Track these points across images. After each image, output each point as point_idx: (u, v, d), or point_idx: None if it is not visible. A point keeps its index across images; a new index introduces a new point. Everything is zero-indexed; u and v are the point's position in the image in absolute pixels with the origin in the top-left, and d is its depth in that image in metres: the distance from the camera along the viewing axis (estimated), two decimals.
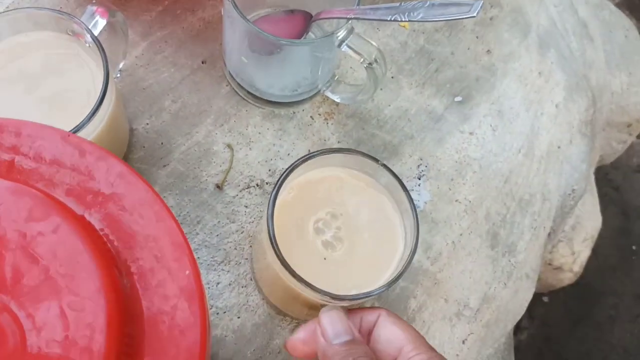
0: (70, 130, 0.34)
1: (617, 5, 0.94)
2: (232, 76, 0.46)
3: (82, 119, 0.34)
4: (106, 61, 0.36)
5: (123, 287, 0.22)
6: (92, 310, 0.20)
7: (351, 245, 0.37)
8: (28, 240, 0.21)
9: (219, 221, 0.43)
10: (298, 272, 0.34)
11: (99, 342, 0.20)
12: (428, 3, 0.35)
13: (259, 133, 0.46)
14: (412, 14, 0.35)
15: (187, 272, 0.23)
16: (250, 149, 0.46)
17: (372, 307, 0.36)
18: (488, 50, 0.53)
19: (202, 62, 0.48)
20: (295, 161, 0.36)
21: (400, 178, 0.37)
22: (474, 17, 0.32)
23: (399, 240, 0.38)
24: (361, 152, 0.37)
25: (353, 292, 0.36)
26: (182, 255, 0.24)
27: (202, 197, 0.44)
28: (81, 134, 0.34)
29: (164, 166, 0.44)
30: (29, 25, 0.38)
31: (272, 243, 0.34)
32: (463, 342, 0.46)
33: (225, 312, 0.42)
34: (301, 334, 0.34)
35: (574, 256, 0.62)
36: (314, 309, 0.36)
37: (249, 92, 0.46)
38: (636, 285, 0.92)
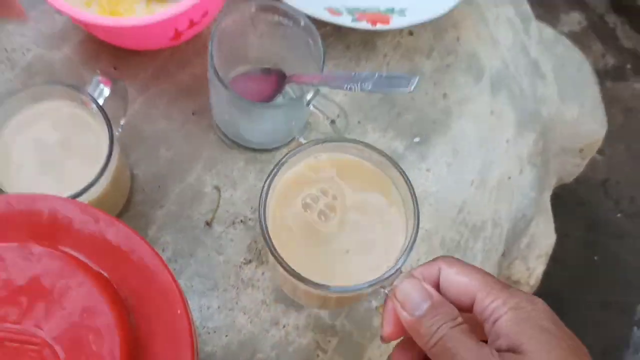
0: (86, 186, 0.41)
1: (571, 34, 1.01)
2: (218, 127, 0.54)
3: (93, 178, 0.41)
4: (110, 128, 0.43)
5: (130, 325, 0.29)
6: (109, 343, 0.27)
7: (353, 234, 0.39)
8: (62, 291, 0.28)
9: (208, 254, 0.51)
10: (298, 265, 0.35)
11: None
12: (377, 75, 0.42)
13: (243, 176, 0.54)
14: (363, 84, 0.42)
15: (179, 311, 0.31)
16: (235, 189, 0.53)
17: (429, 262, 0.35)
18: (444, 94, 0.61)
19: (192, 114, 0.55)
20: (287, 154, 0.38)
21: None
22: (410, 91, 0.39)
23: (400, 227, 0.39)
24: (354, 140, 0.39)
25: (360, 281, 0.36)
26: (175, 298, 0.31)
27: (194, 233, 0.51)
28: (94, 187, 0.42)
29: (161, 207, 0.52)
30: (44, 96, 0.45)
31: (265, 237, 0.36)
32: None
33: (215, 332, 0.49)
34: (387, 326, 0.34)
35: (529, 271, 0.69)
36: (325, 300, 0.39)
37: (233, 141, 0.53)
38: (601, 294, 0.99)
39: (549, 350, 0.29)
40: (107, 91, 0.45)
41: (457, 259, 0.34)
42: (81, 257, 0.30)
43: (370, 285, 0.35)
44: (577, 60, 0.77)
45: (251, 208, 0.53)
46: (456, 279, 0.32)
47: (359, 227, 0.39)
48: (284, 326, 0.50)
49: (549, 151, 0.70)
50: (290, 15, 0.47)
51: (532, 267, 0.69)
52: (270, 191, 0.38)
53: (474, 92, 0.62)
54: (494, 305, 0.31)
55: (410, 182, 0.38)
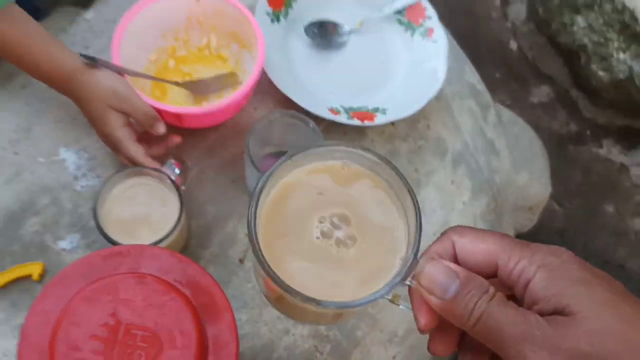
0: (165, 235, 0.62)
1: (540, 104, 1.21)
2: (250, 192, 0.75)
3: (169, 230, 0.63)
4: (181, 196, 0.65)
5: (201, 327, 0.50)
6: (189, 338, 0.49)
7: (351, 245, 0.37)
8: (162, 303, 0.50)
9: (240, 282, 0.72)
10: (288, 278, 0.34)
11: (192, 357, 0.48)
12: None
13: None
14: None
15: (229, 319, 0.52)
16: None
17: (439, 238, 0.34)
18: (416, 169, 0.82)
19: (232, 181, 0.77)
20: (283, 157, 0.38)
21: None
22: None
23: (401, 241, 0.37)
24: (361, 146, 0.38)
25: (355, 296, 0.35)
26: (228, 314, 0.52)
27: (231, 267, 0.72)
28: (170, 236, 0.63)
29: (207, 248, 0.73)
30: (137, 173, 0.67)
31: (254, 246, 0.35)
32: (393, 357, 0.74)
33: (244, 337, 0.70)
34: (421, 318, 0.33)
35: None
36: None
37: None
38: None
39: (597, 303, 0.28)
40: (177, 170, 0.68)
41: (468, 227, 0.33)
42: (173, 283, 0.51)
43: (390, 288, 0.34)
44: (529, 137, 0.97)
45: None
46: (473, 248, 0.31)
47: (360, 238, 0.38)
48: (292, 334, 0.71)
49: (502, 210, 0.90)
50: (302, 119, 0.69)
51: None
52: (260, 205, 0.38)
53: (439, 167, 0.83)
54: (520, 267, 0.29)
55: (405, 179, 0.37)
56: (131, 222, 0.65)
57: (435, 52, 0.84)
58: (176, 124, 0.74)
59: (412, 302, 0.34)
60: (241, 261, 0.73)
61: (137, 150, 0.68)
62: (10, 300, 0.69)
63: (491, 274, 0.32)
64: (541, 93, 1.36)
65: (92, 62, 0.68)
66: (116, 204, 0.65)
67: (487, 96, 0.94)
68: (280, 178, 0.40)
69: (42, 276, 0.70)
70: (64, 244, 0.71)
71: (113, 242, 0.62)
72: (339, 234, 0.37)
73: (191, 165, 0.77)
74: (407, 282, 0.34)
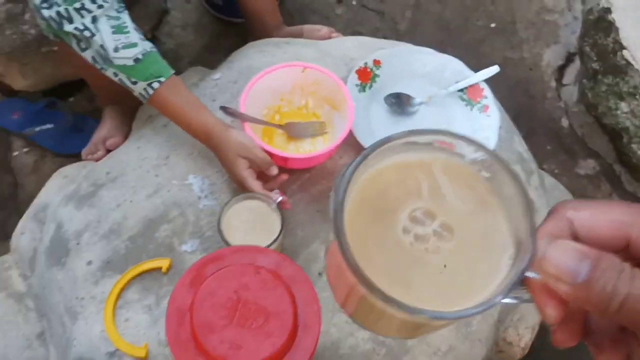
0: (270, 243, 0.83)
1: (586, 175, 1.35)
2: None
3: (274, 238, 0.84)
4: (283, 218, 0.86)
5: (297, 310, 0.70)
6: (288, 318, 0.68)
7: (447, 244, 0.33)
8: (272, 288, 0.70)
9: (318, 291, 0.91)
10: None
11: (289, 326, 0.67)
12: None
13: None
14: None
15: (317, 308, 0.71)
16: None
17: (550, 217, 0.30)
18: None
19: (317, 211, 0.98)
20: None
21: None
22: None
23: (506, 238, 0.33)
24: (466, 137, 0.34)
25: (456, 307, 0.31)
26: (316, 305, 0.71)
27: (312, 279, 0.92)
28: (273, 245, 0.84)
29: (295, 262, 0.93)
30: (252, 197, 0.88)
31: (341, 243, 0.31)
32: None
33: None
34: (551, 311, 0.29)
35: (519, 336, 1.04)
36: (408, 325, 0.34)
37: None
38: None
39: None
40: (280, 197, 0.89)
41: (581, 200, 0.29)
42: (279, 275, 0.71)
43: (510, 288, 0.30)
44: (568, 199, 1.13)
45: None
46: (595, 222, 0.28)
47: (457, 237, 0.34)
48: (355, 337, 0.89)
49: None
50: None
51: (521, 334, 1.04)
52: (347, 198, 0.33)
53: None
54: None
55: (516, 174, 0.33)
56: (243, 232, 0.86)
57: (489, 125, 1.03)
58: (281, 164, 0.96)
59: (534, 295, 0.30)
60: (320, 275, 0.92)
61: (256, 185, 0.90)
62: (142, 285, 0.91)
63: (617, 250, 0.28)
64: (587, 166, 1.52)
65: (227, 110, 0.91)
66: (233, 217, 0.87)
67: (532, 163, 1.11)
68: (371, 167, 0.35)
69: (168, 269, 0.91)
70: (186, 247, 0.93)
71: (229, 245, 0.83)
72: (432, 232, 0.34)
73: (287, 196, 0.98)
74: (529, 274, 0.30)
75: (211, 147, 0.94)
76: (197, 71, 1.24)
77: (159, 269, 0.91)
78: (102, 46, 0.91)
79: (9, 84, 1.52)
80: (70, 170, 1.10)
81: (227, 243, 0.84)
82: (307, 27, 1.35)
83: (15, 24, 1.35)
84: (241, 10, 1.42)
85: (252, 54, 1.15)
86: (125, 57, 0.91)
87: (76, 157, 1.34)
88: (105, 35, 0.90)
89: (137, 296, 0.90)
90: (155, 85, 0.92)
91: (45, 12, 0.91)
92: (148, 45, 0.93)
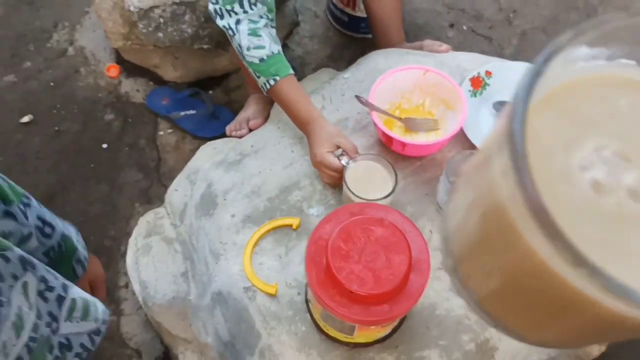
0: (384, 196, 0.99)
1: None
2: (438, 204, 1.10)
3: (387, 193, 1.00)
4: (396, 177, 1.01)
5: (411, 250, 0.85)
6: (404, 261, 0.84)
7: None
8: (389, 236, 0.85)
9: None
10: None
11: (405, 269, 0.83)
12: None
13: None
14: None
15: (426, 257, 0.86)
16: None
17: None
18: None
19: (425, 194, 1.13)
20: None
21: None
22: None
23: None
24: None
25: None
26: (425, 250, 0.86)
27: None
28: (387, 198, 0.99)
29: None
30: (368, 159, 1.05)
31: (519, 169, 0.21)
32: None
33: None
34: None
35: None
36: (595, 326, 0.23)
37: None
38: None
39: None
40: (349, 162, 1.05)
41: None
42: (397, 226, 0.87)
43: None
44: None
45: None
46: None
47: None
48: (451, 302, 1.02)
49: None
50: None
51: None
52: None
53: None
54: None
55: None
56: (362, 187, 1.02)
57: None
58: (398, 150, 1.12)
59: None
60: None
61: (335, 160, 1.07)
62: (275, 237, 1.09)
63: None
64: None
65: (360, 100, 1.09)
66: (355, 172, 1.03)
67: None
68: (556, 77, 0.26)
69: (297, 227, 1.09)
70: (313, 211, 1.11)
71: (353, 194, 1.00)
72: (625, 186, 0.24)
73: (400, 178, 1.14)
74: None
75: (308, 131, 1.13)
76: (328, 71, 1.44)
77: (290, 226, 1.09)
78: (239, 45, 1.16)
79: (161, 75, 1.79)
80: (218, 143, 1.32)
81: (351, 192, 1.00)
82: (427, 42, 1.51)
83: (176, 22, 1.61)
84: (369, 25, 1.61)
85: (378, 59, 1.33)
86: (254, 56, 1.15)
87: (210, 139, 1.56)
88: (242, 36, 1.15)
89: (270, 246, 1.08)
90: (272, 82, 1.15)
91: (210, 6, 1.18)
92: (275, 49, 1.16)
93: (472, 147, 1.12)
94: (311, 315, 1.00)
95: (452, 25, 2.00)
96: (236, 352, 1.05)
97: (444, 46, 1.45)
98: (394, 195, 1.02)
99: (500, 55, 1.96)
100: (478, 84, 1.22)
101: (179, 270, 1.19)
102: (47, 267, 0.67)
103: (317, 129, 1.12)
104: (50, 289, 0.67)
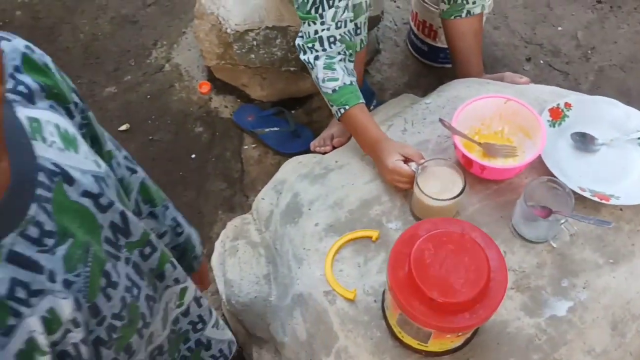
0: (452, 197, 1.05)
1: None
2: (513, 224, 1.15)
3: (458, 192, 1.06)
4: (465, 181, 1.07)
5: (489, 262, 0.91)
6: (483, 273, 0.89)
7: None
8: (468, 249, 0.91)
9: None
10: None
11: (483, 282, 0.88)
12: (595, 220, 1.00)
13: (509, 250, 1.14)
14: (588, 220, 1.00)
15: (504, 272, 0.91)
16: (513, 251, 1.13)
17: None
18: (632, 244, 1.14)
19: (500, 217, 1.18)
20: None
21: None
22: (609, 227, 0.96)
23: None
24: None
25: None
26: (501, 260, 0.92)
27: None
28: (453, 200, 1.05)
29: None
30: (439, 163, 1.12)
31: None
32: None
33: None
34: None
35: None
36: None
37: (517, 231, 1.14)
38: None
39: None
40: (419, 167, 1.11)
41: None
42: (475, 239, 0.93)
43: None
44: None
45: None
46: None
47: None
48: (522, 321, 1.06)
49: None
50: (561, 185, 1.08)
51: None
52: None
53: None
54: None
55: None
56: (433, 189, 1.09)
57: None
58: (477, 173, 1.18)
59: None
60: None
61: (406, 167, 1.15)
62: (355, 247, 1.16)
63: None
64: None
65: (444, 123, 1.16)
66: (426, 176, 1.10)
67: None
68: None
69: (377, 239, 1.16)
70: (392, 225, 1.18)
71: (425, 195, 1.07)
72: None
73: (477, 200, 1.20)
74: None
75: (377, 149, 1.23)
76: (409, 97, 1.52)
77: (369, 237, 1.16)
78: (316, 76, 1.30)
79: (249, 93, 1.92)
80: (303, 158, 1.41)
81: (424, 194, 1.08)
82: (508, 74, 1.57)
83: (268, 45, 1.73)
84: (450, 56, 1.68)
85: (459, 87, 1.40)
86: (327, 87, 1.29)
87: (292, 156, 1.66)
88: (319, 70, 1.30)
89: (350, 255, 1.15)
90: (342, 110, 1.29)
91: (297, 40, 1.35)
92: (348, 80, 1.29)
93: (549, 174, 1.16)
94: (386, 322, 1.06)
95: (529, 59, 2.05)
96: (312, 351, 1.13)
97: (524, 79, 1.50)
98: (472, 212, 1.08)
99: (576, 90, 1.98)
100: (557, 115, 1.26)
101: (262, 272, 1.28)
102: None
103: (384, 145, 1.22)
104: (203, 298, 0.80)
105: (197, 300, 0.75)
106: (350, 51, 1.33)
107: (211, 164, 1.80)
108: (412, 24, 1.94)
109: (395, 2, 2.13)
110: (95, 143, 0.64)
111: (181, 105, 1.93)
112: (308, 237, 1.20)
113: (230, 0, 1.70)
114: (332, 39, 1.29)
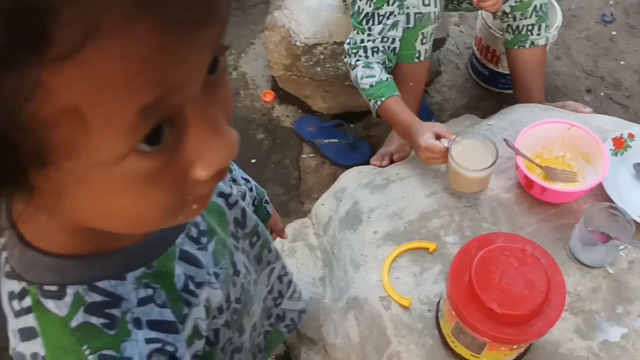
0: (486, 167, 1.07)
1: None
2: (570, 249, 1.17)
3: (488, 165, 1.08)
4: (497, 152, 1.10)
5: (548, 276, 0.93)
6: (541, 289, 0.92)
7: None
8: (528, 264, 0.94)
9: None
10: None
11: (542, 297, 0.91)
12: None
13: (564, 267, 1.15)
14: None
15: (562, 290, 0.94)
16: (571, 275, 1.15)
17: None
18: None
19: (557, 239, 1.20)
20: None
21: None
22: None
23: None
24: None
25: None
26: (560, 276, 0.94)
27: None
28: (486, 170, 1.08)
29: None
30: (463, 138, 1.14)
31: None
32: None
33: None
34: None
35: None
36: None
37: (575, 256, 1.16)
38: None
39: None
40: (450, 142, 1.13)
41: None
42: (535, 255, 0.95)
43: None
44: None
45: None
46: None
47: None
48: (574, 343, 1.08)
49: None
50: (621, 211, 1.10)
51: None
52: None
53: None
54: None
55: None
56: (466, 161, 1.13)
57: None
58: (537, 195, 1.21)
59: None
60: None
61: (438, 142, 1.23)
62: (412, 257, 1.20)
63: None
64: None
65: (508, 143, 1.20)
66: (460, 148, 1.14)
67: None
68: None
69: (434, 251, 1.20)
70: (449, 239, 1.21)
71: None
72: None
73: (535, 221, 1.22)
74: None
75: (410, 132, 1.33)
76: (470, 117, 1.55)
77: (427, 249, 1.20)
78: (355, 75, 1.46)
79: (310, 105, 1.98)
80: (364, 168, 1.47)
81: (458, 165, 1.16)
82: (570, 103, 1.60)
83: (334, 60, 1.80)
84: (512, 83, 1.72)
85: (522, 111, 1.43)
86: (365, 83, 1.43)
87: (347, 167, 1.71)
88: (358, 69, 1.45)
89: (407, 263, 1.19)
90: (379, 102, 1.42)
91: (345, 45, 1.51)
92: (384, 77, 1.43)
93: (609, 200, 1.18)
94: (440, 331, 1.09)
95: (589, 91, 2.06)
96: (364, 353, 1.16)
97: (588, 108, 1.52)
98: (530, 231, 1.11)
99: (636, 123, 1.98)
100: (620, 144, 1.28)
101: (318, 274, 1.33)
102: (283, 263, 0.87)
103: (417, 128, 1.31)
104: (286, 274, 0.88)
105: (279, 277, 0.82)
106: (389, 64, 1.49)
107: (270, 169, 1.87)
108: (475, 48, 1.97)
109: (458, 26, 2.18)
110: None
111: (245, 112, 2.01)
112: (366, 243, 1.24)
113: (302, 14, 1.78)
114: (375, 49, 1.45)
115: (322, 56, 1.78)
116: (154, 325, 0.48)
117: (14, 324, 0.45)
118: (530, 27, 1.61)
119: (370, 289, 1.17)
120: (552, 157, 1.29)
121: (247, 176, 0.93)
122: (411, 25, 1.45)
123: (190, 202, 0.41)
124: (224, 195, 0.62)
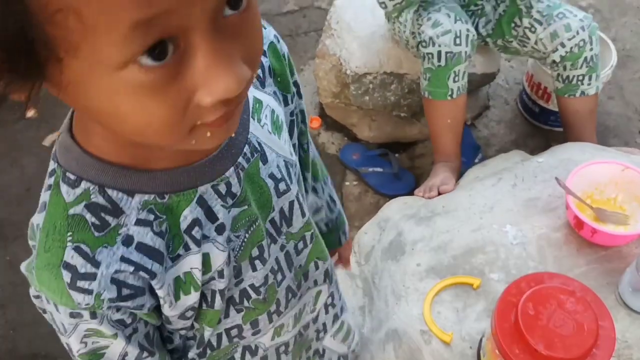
0: None
1: None
2: (620, 295, 1.13)
3: None
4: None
5: (598, 321, 0.90)
6: (590, 333, 0.89)
7: None
8: (577, 307, 0.91)
9: None
10: None
11: (591, 341, 0.88)
12: None
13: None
14: None
15: (612, 335, 0.91)
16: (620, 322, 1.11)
17: None
18: None
19: (607, 283, 1.16)
20: None
21: None
22: None
23: None
24: None
25: None
26: (609, 321, 0.91)
27: None
28: None
29: None
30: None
31: None
32: None
33: None
34: None
35: None
36: None
37: (622, 300, 1.12)
38: None
39: None
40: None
41: None
42: (584, 297, 0.93)
43: None
44: None
45: None
46: None
47: None
48: None
49: None
50: None
51: None
52: None
53: None
54: None
55: None
56: None
57: None
58: (587, 236, 1.18)
59: None
60: None
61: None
62: (455, 292, 1.18)
63: None
64: None
65: (559, 182, 1.18)
66: None
67: None
68: None
69: (478, 287, 1.18)
70: (494, 276, 1.19)
71: None
72: None
73: (584, 263, 1.19)
74: None
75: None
76: (519, 153, 1.54)
77: (470, 285, 1.18)
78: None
79: (356, 133, 1.99)
80: (409, 199, 1.46)
81: None
82: (623, 149, 1.56)
83: (383, 90, 1.81)
84: (562, 121, 1.70)
85: (573, 150, 1.41)
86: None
87: (390, 197, 1.70)
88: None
89: (450, 298, 1.17)
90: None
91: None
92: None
93: None
94: None
95: None
96: None
97: None
98: (578, 274, 1.08)
99: None
100: None
101: (358, 303, 1.32)
102: (338, 288, 0.84)
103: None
104: (333, 305, 0.83)
105: (326, 306, 0.80)
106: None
107: None
108: (525, 84, 1.96)
109: (509, 61, 2.17)
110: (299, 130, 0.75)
111: None
112: (409, 275, 1.23)
113: (354, 43, 1.80)
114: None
115: (371, 85, 1.80)
116: (142, 247, 0.51)
117: (42, 197, 0.52)
118: (580, 78, 1.59)
119: (411, 322, 1.16)
120: (603, 198, 1.26)
121: (336, 199, 0.93)
122: (442, 63, 1.47)
123: (201, 128, 0.44)
124: (275, 178, 0.61)
